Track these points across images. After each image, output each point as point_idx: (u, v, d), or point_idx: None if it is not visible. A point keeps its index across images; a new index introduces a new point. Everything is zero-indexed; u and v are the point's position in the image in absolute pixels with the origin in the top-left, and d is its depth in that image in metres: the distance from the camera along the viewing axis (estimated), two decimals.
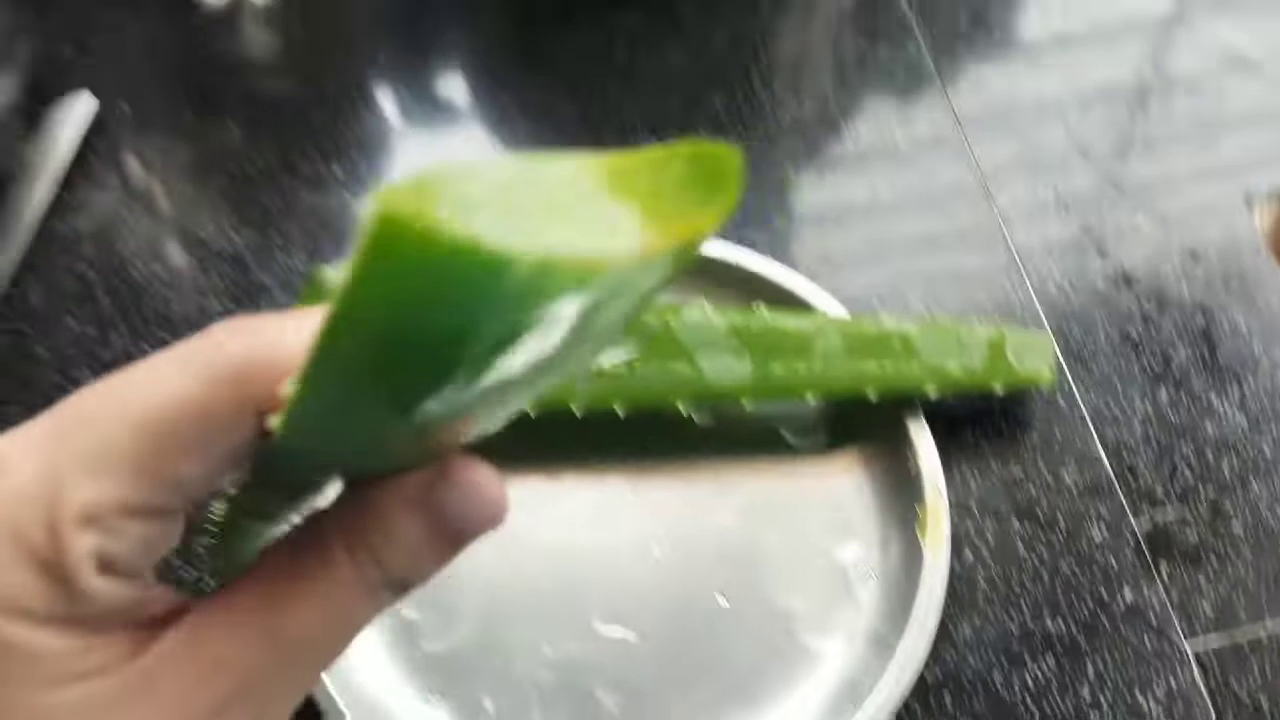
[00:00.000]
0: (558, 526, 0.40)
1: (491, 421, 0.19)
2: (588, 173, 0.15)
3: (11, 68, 0.50)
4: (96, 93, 0.53)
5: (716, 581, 0.39)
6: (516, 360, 0.15)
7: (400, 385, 0.14)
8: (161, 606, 0.18)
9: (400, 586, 0.19)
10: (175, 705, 0.17)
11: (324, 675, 0.35)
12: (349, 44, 0.55)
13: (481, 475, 0.19)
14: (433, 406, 0.15)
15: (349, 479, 0.20)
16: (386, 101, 0.53)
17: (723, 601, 0.39)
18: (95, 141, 0.52)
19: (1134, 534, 0.39)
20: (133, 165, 0.52)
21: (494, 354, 0.14)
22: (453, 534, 0.19)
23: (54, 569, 0.16)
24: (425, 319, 0.13)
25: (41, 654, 0.16)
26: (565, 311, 0.14)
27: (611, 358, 0.40)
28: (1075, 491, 0.40)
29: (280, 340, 0.17)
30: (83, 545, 0.16)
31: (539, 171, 0.14)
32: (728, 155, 0.16)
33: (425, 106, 0.53)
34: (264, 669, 0.17)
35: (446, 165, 0.13)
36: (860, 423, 0.41)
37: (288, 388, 0.15)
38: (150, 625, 0.18)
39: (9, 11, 0.50)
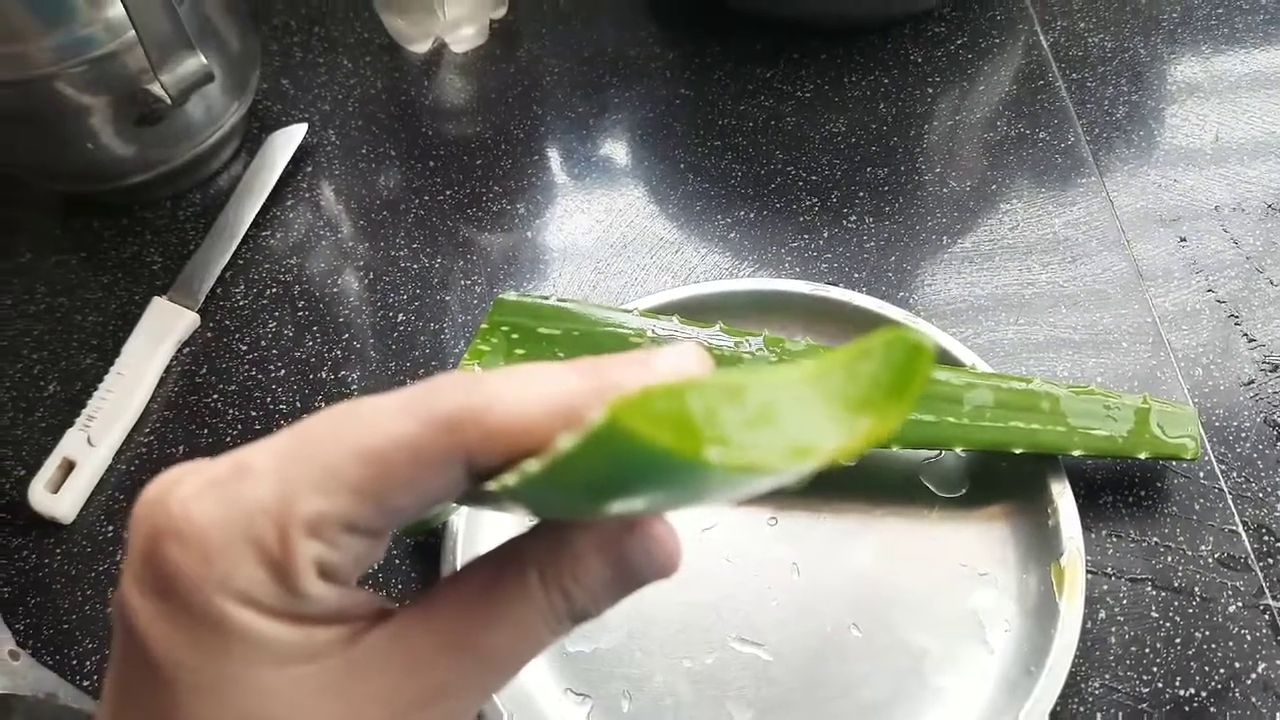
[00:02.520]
0: (704, 549, 0.43)
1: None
2: (795, 379, 0.17)
3: (243, 96, 0.56)
4: (309, 124, 0.58)
5: (851, 613, 0.41)
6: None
7: (600, 501, 0.18)
8: (367, 609, 0.20)
9: (579, 618, 0.21)
10: (380, 694, 0.19)
11: None
12: (540, 96, 0.60)
13: (663, 530, 0.21)
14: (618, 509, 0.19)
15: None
16: (569, 151, 0.57)
17: (855, 632, 0.40)
18: (305, 166, 0.58)
19: (1270, 611, 0.40)
20: (335, 189, 0.57)
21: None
22: (632, 578, 0.21)
23: (281, 569, 0.18)
24: (637, 482, 0.17)
25: (267, 639, 0.18)
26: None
27: None
28: (1212, 564, 0.41)
29: (496, 398, 0.18)
30: (307, 552, 0.18)
31: (753, 380, 0.17)
32: (919, 350, 0.17)
33: (604, 159, 0.57)
34: (458, 674, 0.20)
35: (685, 382, 0.16)
36: (1002, 479, 0.43)
37: (507, 477, 0.18)
38: (357, 624, 0.20)
39: (245, 43, 0.56)
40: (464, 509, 0.42)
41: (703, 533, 0.43)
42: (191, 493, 0.18)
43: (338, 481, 0.18)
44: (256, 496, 0.18)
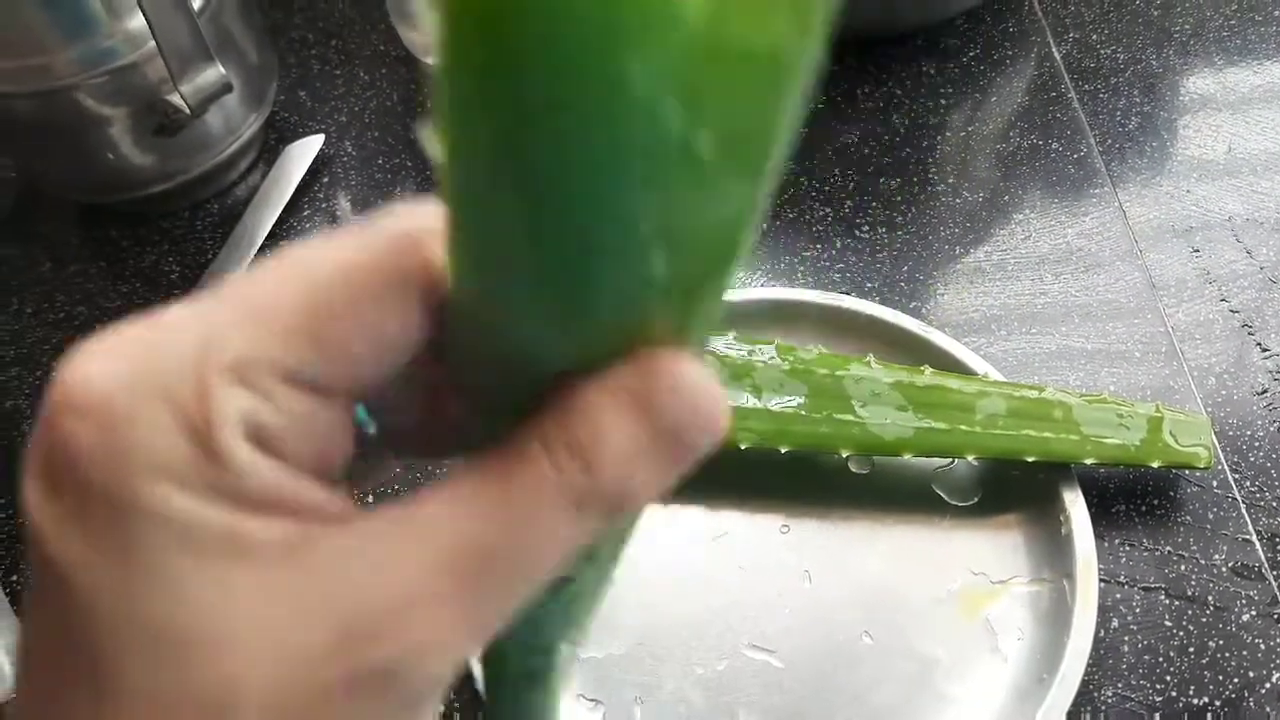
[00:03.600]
0: (716, 557, 0.43)
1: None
2: None
3: (261, 107, 0.57)
4: (326, 135, 0.59)
5: (862, 621, 0.41)
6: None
7: (542, 170, 0.12)
8: (328, 508, 0.16)
9: (608, 504, 0.15)
10: (337, 608, 0.15)
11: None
12: None
13: (694, 372, 0.15)
14: (602, 256, 0.13)
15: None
16: None
17: (867, 640, 0.40)
18: (321, 176, 0.58)
19: None
20: (352, 200, 0.58)
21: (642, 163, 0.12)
22: (673, 437, 0.15)
23: (200, 431, 0.14)
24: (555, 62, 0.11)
25: (185, 523, 0.14)
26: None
27: (783, 403, 0.43)
28: (1225, 573, 0.41)
29: None
30: (230, 404, 0.14)
31: None
32: None
33: None
34: (436, 589, 0.15)
35: None
36: (1014, 487, 0.43)
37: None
38: (311, 522, 0.15)
39: (263, 55, 0.57)
40: None
41: (714, 540, 0.43)
42: (94, 356, 0.14)
43: (266, 314, 0.15)
44: (174, 348, 0.14)
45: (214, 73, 0.49)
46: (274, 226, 0.56)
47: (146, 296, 0.54)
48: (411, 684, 0.15)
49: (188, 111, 0.49)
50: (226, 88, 0.50)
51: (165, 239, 0.56)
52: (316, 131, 0.59)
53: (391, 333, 0.15)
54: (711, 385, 0.15)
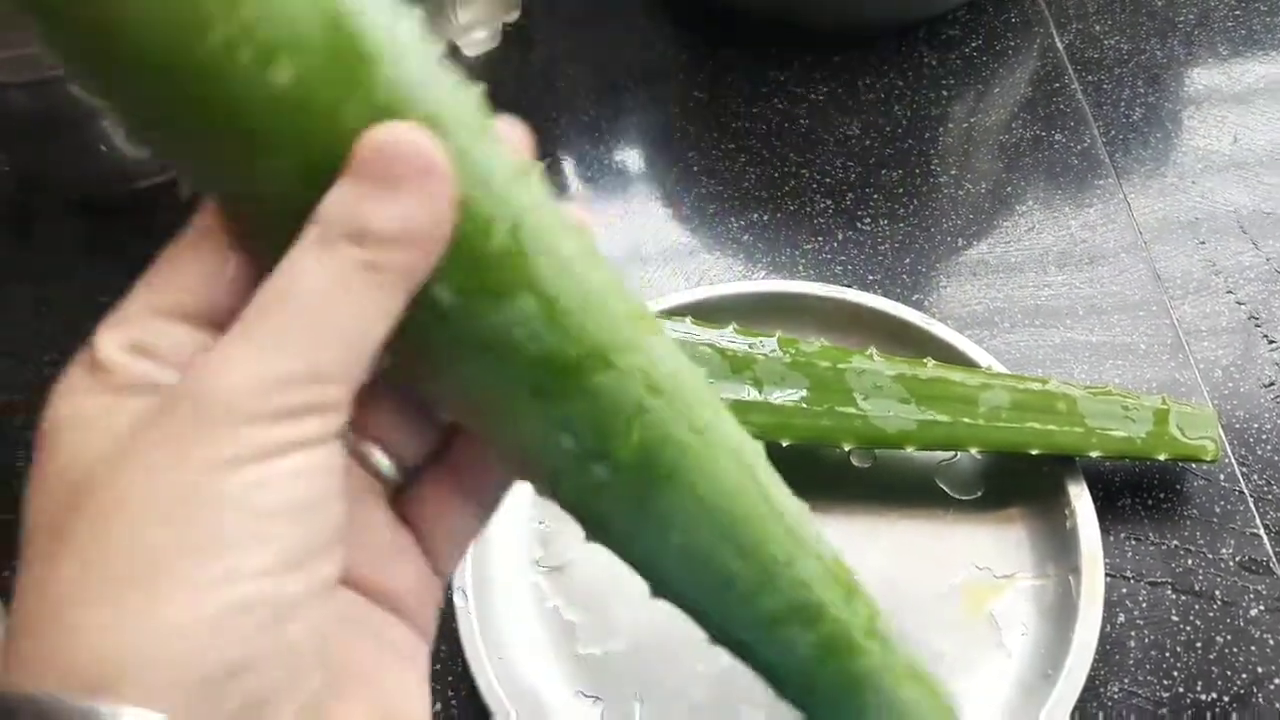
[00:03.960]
0: None
1: None
2: None
3: None
4: None
5: None
6: None
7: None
8: None
9: (344, 229, 0.17)
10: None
11: (489, 668, 0.38)
12: (553, 100, 0.60)
13: (400, 128, 0.17)
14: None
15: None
16: (582, 154, 0.57)
17: None
18: None
19: None
20: None
21: None
22: (372, 166, 0.17)
23: (92, 360, 0.18)
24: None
25: (86, 412, 0.18)
26: None
27: (784, 396, 0.42)
28: (1233, 567, 0.40)
29: None
30: (108, 337, 0.18)
31: None
32: None
33: (617, 162, 0.57)
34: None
35: None
36: (1018, 481, 0.42)
37: None
38: None
39: None
40: None
41: None
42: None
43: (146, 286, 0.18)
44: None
45: None
46: None
47: None
48: (235, 418, 0.16)
49: None
50: None
51: (165, 232, 0.56)
52: None
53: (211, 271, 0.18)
54: (410, 133, 0.17)
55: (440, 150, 0.17)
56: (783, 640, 0.23)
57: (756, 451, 0.22)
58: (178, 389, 0.17)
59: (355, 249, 0.17)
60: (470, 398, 0.20)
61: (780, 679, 0.24)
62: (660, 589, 0.23)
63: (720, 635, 0.23)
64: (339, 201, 0.17)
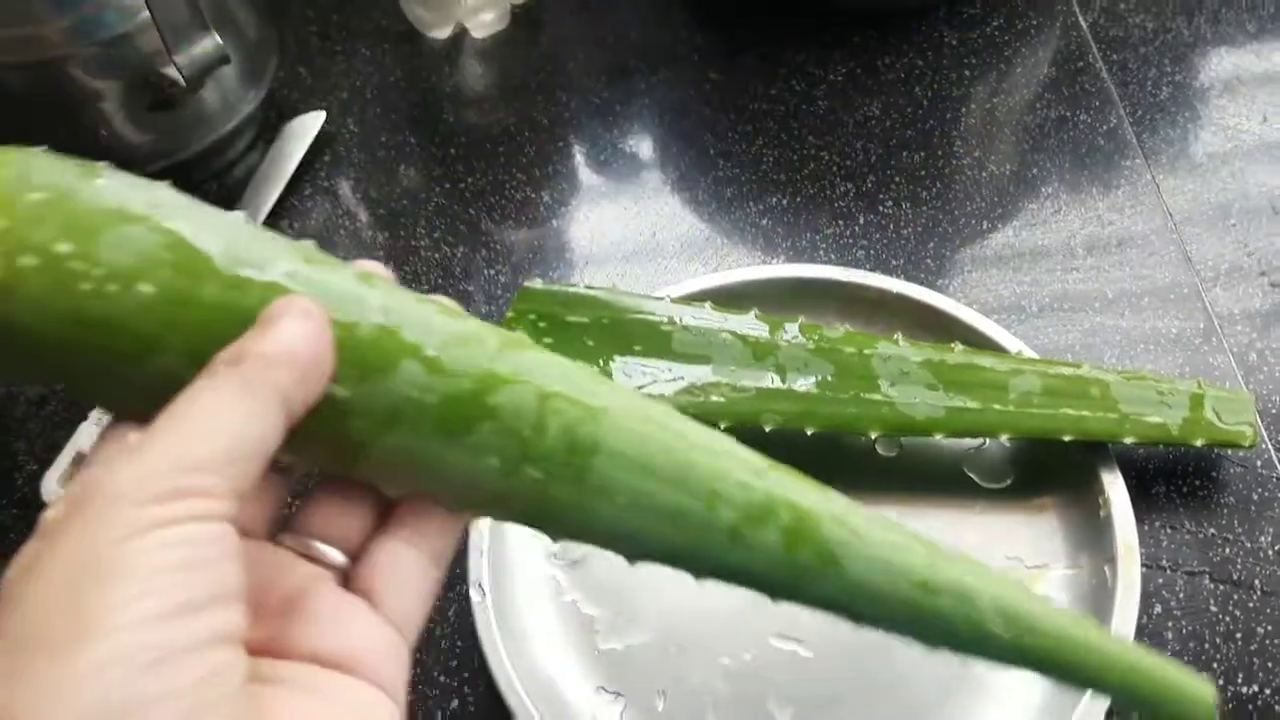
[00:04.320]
0: None
1: None
2: None
3: (260, 83, 0.55)
4: (327, 112, 0.57)
5: None
6: None
7: None
8: None
9: (235, 358, 0.21)
10: None
11: (507, 665, 0.36)
12: (564, 82, 0.58)
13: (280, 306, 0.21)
14: None
15: None
16: (595, 138, 0.56)
17: None
18: (323, 155, 0.56)
19: None
20: (354, 178, 0.56)
21: None
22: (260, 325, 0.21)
23: None
24: None
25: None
26: None
27: (808, 383, 0.41)
28: (1272, 556, 0.39)
29: None
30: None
31: None
32: None
33: (631, 146, 0.56)
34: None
35: None
36: (1049, 469, 0.41)
37: None
38: None
39: (262, 29, 0.55)
40: None
41: None
42: None
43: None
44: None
45: (210, 43, 0.47)
46: (275, 206, 0.54)
47: None
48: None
49: (183, 84, 0.47)
50: (223, 59, 0.48)
51: None
52: (317, 109, 0.57)
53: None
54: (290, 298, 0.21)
55: (305, 297, 0.22)
56: (753, 545, 0.24)
57: (665, 411, 0.25)
58: (88, 485, 0.19)
59: (233, 369, 0.21)
60: (398, 464, 0.23)
61: (774, 585, 0.25)
62: (631, 552, 0.25)
63: (702, 568, 0.25)
64: (228, 347, 0.21)
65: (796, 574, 0.24)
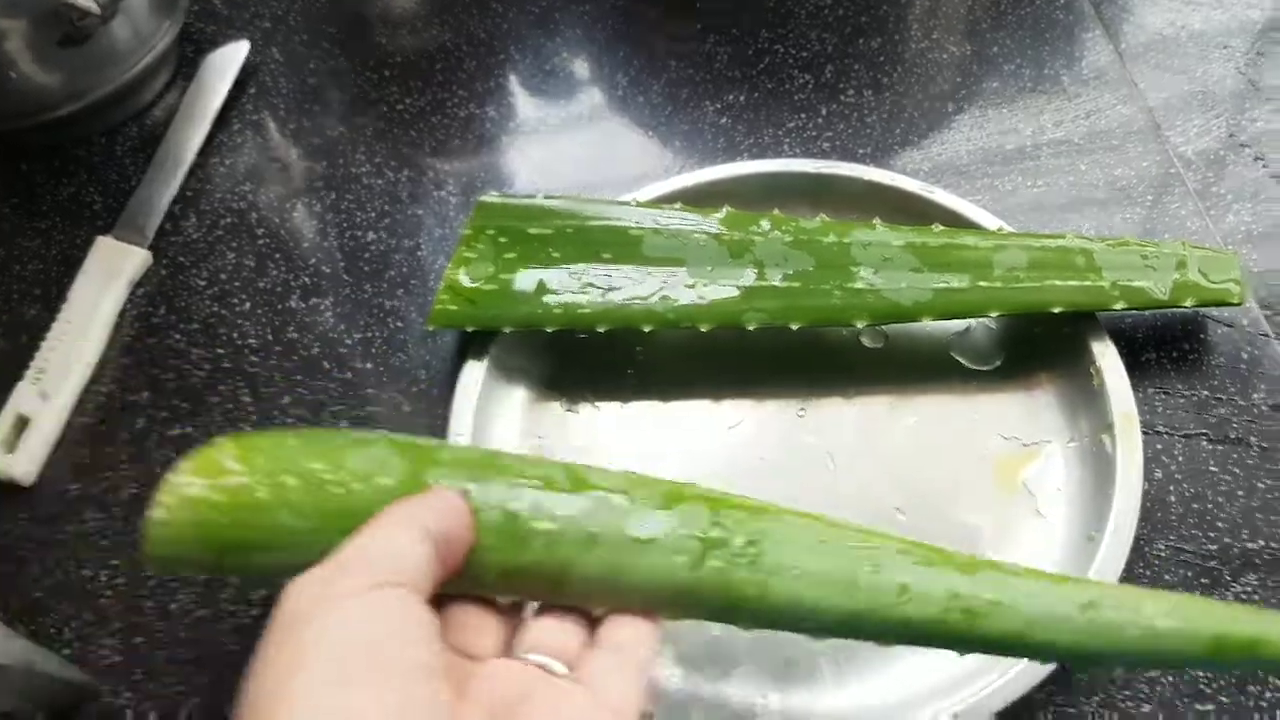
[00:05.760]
0: (731, 448, 0.40)
1: None
2: None
3: (173, 15, 0.52)
4: (251, 42, 0.54)
5: (893, 498, 0.38)
6: None
7: None
8: None
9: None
10: None
11: None
12: None
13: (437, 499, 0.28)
14: None
15: None
16: (538, 47, 0.53)
17: (901, 518, 0.38)
18: (249, 87, 0.53)
19: None
20: (286, 109, 0.52)
21: None
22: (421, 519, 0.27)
23: None
24: None
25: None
26: None
27: (789, 277, 0.39)
28: (1266, 411, 0.39)
29: None
30: None
31: None
32: None
33: (576, 53, 0.53)
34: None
35: None
36: (1038, 345, 0.40)
37: None
38: None
39: None
40: None
41: (728, 430, 0.40)
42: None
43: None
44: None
45: None
46: (203, 144, 0.51)
47: (68, 231, 0.49)
48: None
49: (96, 12, 0.44)
50: None
51: (82, 168, 0.51)
52: (238, 40, 0.54)
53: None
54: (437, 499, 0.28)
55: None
56: (922, 598, 0.28)
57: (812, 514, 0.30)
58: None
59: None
60: (601, 577, 0.27)
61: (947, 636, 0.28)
62: (814, 626, 0.28)
63: (882, 629, 0.28)
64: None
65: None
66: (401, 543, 0.26)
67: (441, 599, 0.28)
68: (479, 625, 0.28)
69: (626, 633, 0.28)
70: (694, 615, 0.28)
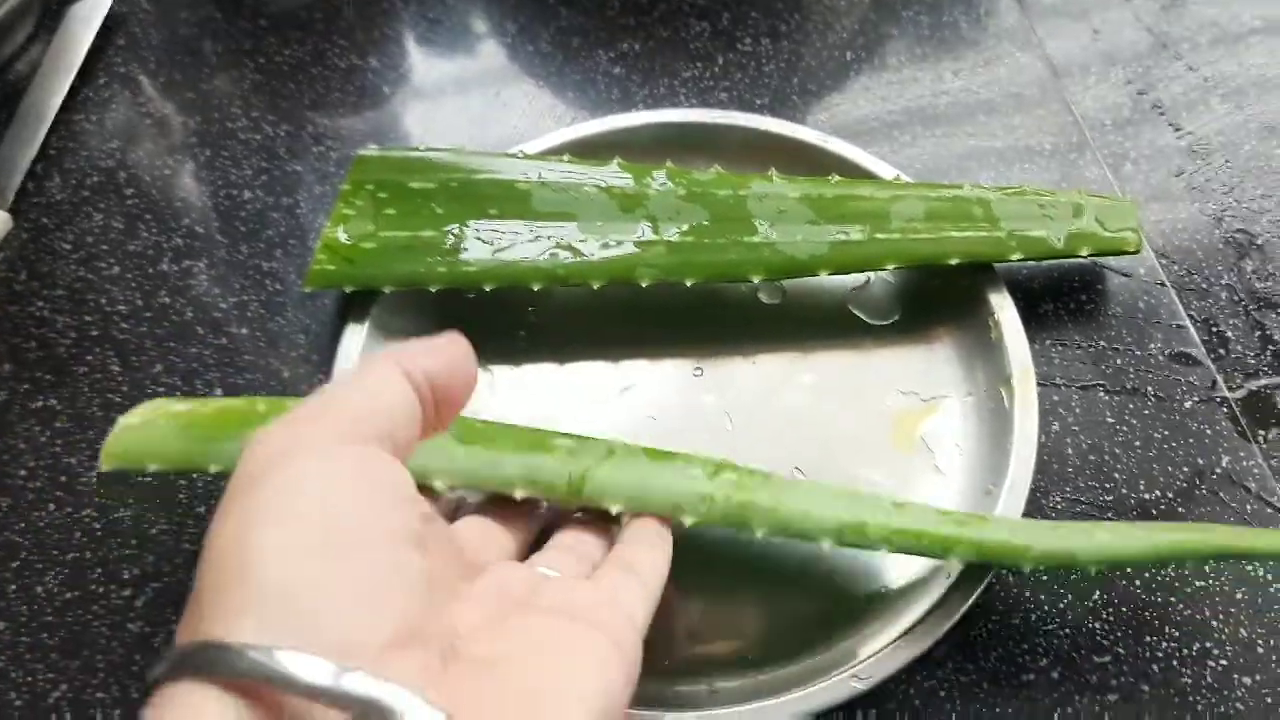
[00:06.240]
0: (624, 410, 0.38)
1: None
2: None
3: None
4: None
5: (791, 457, 0.37)
6: None
7: None
8: None
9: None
10: None
11: None
12: None
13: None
14: None
15: None
16: (426, 1, 0.51)
17: (799, 475, 0.37)
18: (115, 39, 0.50)
19: (1228, 403, 0.38)
20: (155, 61, 0.49)
21: None
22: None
23: None
24: None
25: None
26: None
27: (682, 231, 0.38)
28: (1163, 361, 0.39)
29: None
30: None
31: None
32: None
33: (459, 5, 0.51)
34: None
35: None
36: (936, 299, 0.40)
37: None
38: None
39: None
40: None
41: (621, 393, 0.39)
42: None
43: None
44: None
45: None
46: (66, 99, 0.47)
47: None
48: None
49: None
50: None
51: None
52: None
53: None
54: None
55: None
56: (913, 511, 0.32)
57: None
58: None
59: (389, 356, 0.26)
60: (617, 482, 0.31)
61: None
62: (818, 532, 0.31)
63: (875, 538, 0.31)
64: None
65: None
66: (377, 389, 0.24)
67: (454, 514, 0.30)
68: (489, 537, 0.29)
69: (643, 555, 0.29)
70: (707, 522, 0.31)
